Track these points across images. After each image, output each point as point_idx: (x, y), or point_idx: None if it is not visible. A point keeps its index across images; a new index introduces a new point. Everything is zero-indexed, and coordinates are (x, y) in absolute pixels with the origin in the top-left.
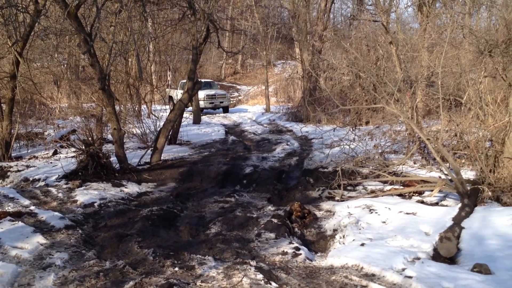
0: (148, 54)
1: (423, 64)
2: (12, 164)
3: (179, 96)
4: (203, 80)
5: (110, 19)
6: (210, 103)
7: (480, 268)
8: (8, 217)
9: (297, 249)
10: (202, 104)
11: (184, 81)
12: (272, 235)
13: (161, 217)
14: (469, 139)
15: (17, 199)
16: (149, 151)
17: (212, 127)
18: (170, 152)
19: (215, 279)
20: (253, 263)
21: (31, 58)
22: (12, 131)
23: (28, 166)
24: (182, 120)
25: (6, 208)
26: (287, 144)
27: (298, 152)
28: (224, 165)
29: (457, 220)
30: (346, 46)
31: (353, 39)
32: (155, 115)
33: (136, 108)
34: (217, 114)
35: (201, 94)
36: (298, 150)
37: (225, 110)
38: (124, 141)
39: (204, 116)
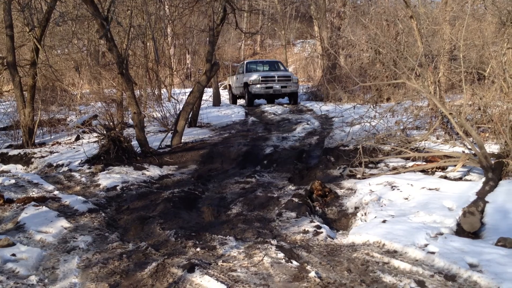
0: (164, 37)
1: (445, 38)
2: (35, 150)
3: (237, 81)
4: (265, 60)
5: (126, 3)
6: (266, 87)
7: (505, 242)
8: (33, 202)
9: (318, 227)
10: (256, 89)
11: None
12: (293, 214)
13: (183, 199)
14: (492, 112)
15: (41, 185)
16: (170, 134)
17: (232, 109)
18: (190, 135)
19: (236, 259)
20: (274, 242)
21: (51, 45)
22: (35, 117)
23: (51, 152)
24: (202, 103)
25: (31, 194)
26: (308, 124)
27: (318, 131)
28: (244, 146)
29: (481, 195)
30: (365, 22)
31: (373, 14)
32: (175, 98)
33: (156, 92)
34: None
35: (254, 76)
36: (319, 129)
37: (292, 98)
38: (145, 125)
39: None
